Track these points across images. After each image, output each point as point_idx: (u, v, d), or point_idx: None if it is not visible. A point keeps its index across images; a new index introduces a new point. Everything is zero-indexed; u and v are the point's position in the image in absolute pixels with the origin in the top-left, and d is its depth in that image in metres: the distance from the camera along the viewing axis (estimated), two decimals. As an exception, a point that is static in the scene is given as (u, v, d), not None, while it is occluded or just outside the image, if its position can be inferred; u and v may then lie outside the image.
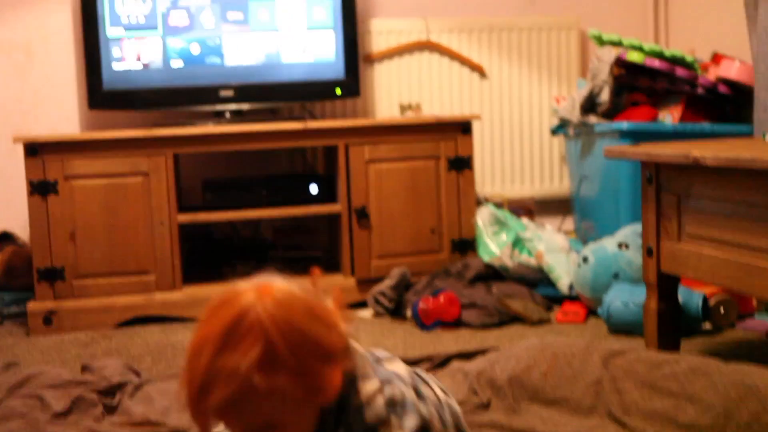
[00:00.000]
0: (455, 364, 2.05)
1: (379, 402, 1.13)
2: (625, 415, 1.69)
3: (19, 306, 3.10)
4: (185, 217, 2.97)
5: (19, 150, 2.93)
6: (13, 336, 2.84)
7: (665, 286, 2.18)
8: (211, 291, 2.88)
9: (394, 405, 1.14)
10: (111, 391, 1.90)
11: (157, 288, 2.93)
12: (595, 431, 1.65)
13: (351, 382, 1.14)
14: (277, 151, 3.48)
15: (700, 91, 3.02)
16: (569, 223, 3.75)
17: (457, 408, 1.35)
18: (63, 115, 3.33)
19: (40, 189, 2.85)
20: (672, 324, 2.19)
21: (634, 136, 2.91)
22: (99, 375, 1.98)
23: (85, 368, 2.08)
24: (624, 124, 2.98)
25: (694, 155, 1.84)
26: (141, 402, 1.85)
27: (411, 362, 2.11)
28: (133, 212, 2.91)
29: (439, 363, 2.10)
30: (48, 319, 2.85)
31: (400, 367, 1.25)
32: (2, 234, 3.35)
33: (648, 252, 2.17)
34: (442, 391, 1.34)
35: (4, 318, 3.05)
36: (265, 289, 1.08)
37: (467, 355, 2.11)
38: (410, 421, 1.15)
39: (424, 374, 1.32)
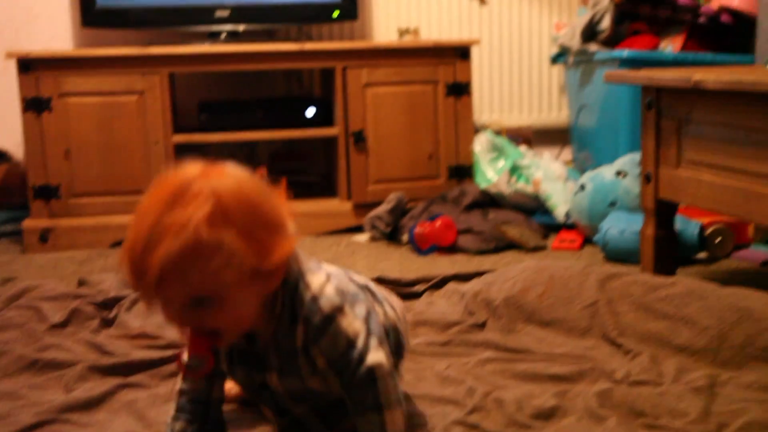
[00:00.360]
0: (451, 286, 2.06)
1: (330, 290, 1.13)
2: (620, 336, 1.70)
3: (14, 224, 3.09)
4: (180, 138, 2.94)
5: (12, 67, 2.88)
6: (9, 253, 2.84)
7: (663, 213, 2.18)
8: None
9: (344, 294, 1.15)
10: (108, 304, 1.91)
11: (152, 208, 2.92)
12: (590, 352, 1.66)
13: (299, 275, 1.14)
14: (273, 74, 3.44)
15: (702, 20, 2.98)
16: (567, 154, 3.73)
17: (401, 330, 1.34)
18: (56, 32, 3.27)
19: (34, 106, 2.82)
20: (668, 251, 2.20)
21: (635, 65, 2.89)
22: (96, 289, 1.99)
23: (81, 282, 2.08)
24: (624, 52, 2.95)
25: (696, 78, 1.82)
26: (138, 316, 1.85)
27: (407, 283, 2.12)
28: (128, 131, 2.88)
29: (434, 284, 2.10)
30: (44, 237, 2.85)
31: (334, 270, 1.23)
32: (-4, 152, 3.33)
33: (646, 178, 2.16)
34: (391, 308, 1.32)
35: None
36: (214, 167, 1.08)
37: (463, 277, 2.11)
38: (360, 309, 1.16)
39: (372, 287, 1.30)
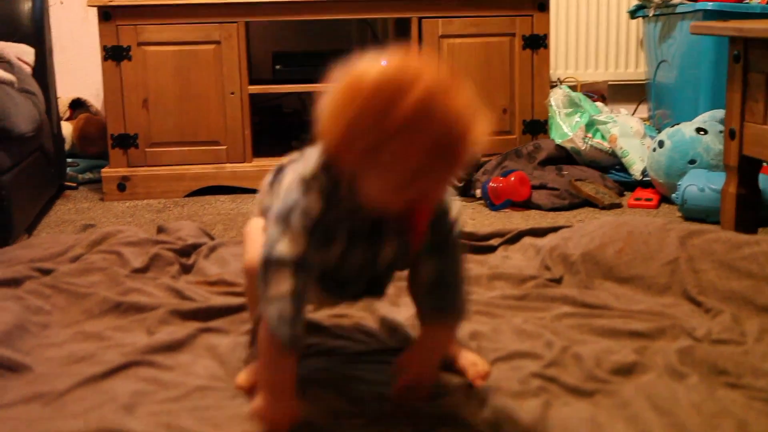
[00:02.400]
0: (527, 240, 2.04)
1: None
2: (700, 294, 1.67)
3: (94, 172, 3.16)
4: (256, 88, 2.96)
5: (93, 17, 2.92)
6: (89, 201, 2.90)
7: (746, 170, 2.12)
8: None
9: None
10: (186, 251, 1.94)
11: (227, 159, 2.95)
12: (669, 310, 1.63)
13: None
14: (347, 25, 3.42)
15: (793, -29, 2.87)
16: (643, 111, 3.65)
17: None
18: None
19: (113, 54, 2.86)
20: (750, 210, 2.14)
21: (720, 17, 2.79)
22: (174, 236, 2.02)
23: (160, 229, 2.11)
24: (709, 4, 2.86)
25: (791, 30, 1.75)
26: (215, 263, 1.88)
27: (481, 237, 2.10)
28: (205, 81, 2.91)
29: (509, 239, 2.08)
30: (122, 185, 2.90)
31: None
32: (75, 101, 3.39)
33: (731, 134, 2.10)
34: None
35: (79, 184, 3.11)
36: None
37: (539, 232, 2.09)
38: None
39: None
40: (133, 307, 1.62)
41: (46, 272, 1.80)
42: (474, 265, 1.87)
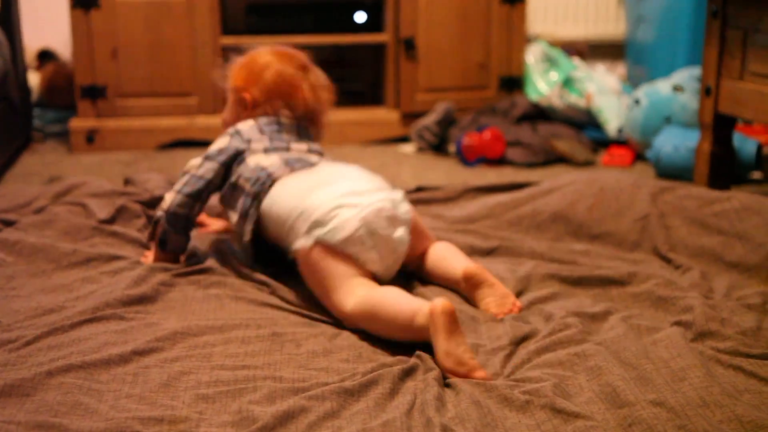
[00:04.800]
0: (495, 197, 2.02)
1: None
2: (670, 251, 1.67)
3: (62, 124, 3.10)
4: (228, 40, 2.90)
5: (60, -37, 2.85)
6: (56, 153, 2.85)
7: (721, 128, 2.12)
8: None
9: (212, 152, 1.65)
10: (154, 203, 1.90)
11: (199, 111, 2.91)
12: (638, 266, 1.62)
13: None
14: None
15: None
16: (621, 69, 3.63)
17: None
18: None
19: (82, 2, 2.78)
20: (724, 168, 2.14)
21: (700, -26, 2.77)
22: (142, 188, 1.98)
23: (128, 181, 2.08)
24: (690, -40, 2.83)
25: (770, -17, 1.73)
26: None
27: (454, 195, 2.07)
28: (176, 32, 2.85)
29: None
30: (90, 137, 2.85)
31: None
32: (43, 52, 3.32)
33: (706, 91, 2.09)
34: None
35: (46, 136, 3.06)
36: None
37: (511, 188, 2.07)
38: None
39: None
40: (101, 257, 1.59)
41: (9, 223, 1.77)
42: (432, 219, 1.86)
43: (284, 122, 1.67)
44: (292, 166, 1.56)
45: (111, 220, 1.78)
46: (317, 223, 1.42)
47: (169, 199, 1.56)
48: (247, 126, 1.65)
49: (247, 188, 1.54)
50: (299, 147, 1.64)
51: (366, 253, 1.41)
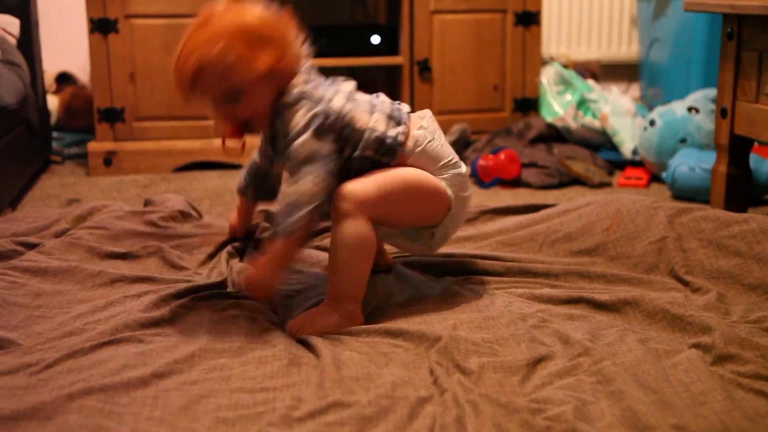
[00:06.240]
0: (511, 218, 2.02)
1: (300, 114, 1.40)
2: (687, 273, 1.66)
3: (80, 147, 3.13)
4: (245, 63, 2.92)
5: (79, -12, 2.89)
6: (74, 175, 2.88)
7: (737, 149, 2.11)
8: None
9: (311, 118, 1.41)
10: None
11: (215, 134, 2.93)
12: (654, 287, 1.62)
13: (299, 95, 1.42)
14: (338, 0, 3.39)
15: (788, -50, 2.84)
16: (635, 90, 3.64)
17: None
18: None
19: (100, 27, 2.82)
20: (740, 190, 2.13)
21: (714, -4, 2.77)
22: (161, 207, 2.00)
23: (147, 203, 2.09)
24: (704, -17, 2.83)
25: (785, 7, 1.73)
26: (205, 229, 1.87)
27: (470, 218, 2.08)
28: (193, 56, 2.87)
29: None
30: (108, 160, 2.87)
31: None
32: (62, 75, 3.35)
33: (722, 113, 2.09)
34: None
35: (64, 158, 3.09)
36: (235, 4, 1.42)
37: (528, 210, 2.07)
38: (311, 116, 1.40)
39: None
40: (125, 279, 1.61)
41: (30, 246, 1.78)
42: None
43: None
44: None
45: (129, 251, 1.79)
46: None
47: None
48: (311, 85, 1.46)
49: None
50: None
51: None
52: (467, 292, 1.56)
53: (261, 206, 1.89)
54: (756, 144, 2.32)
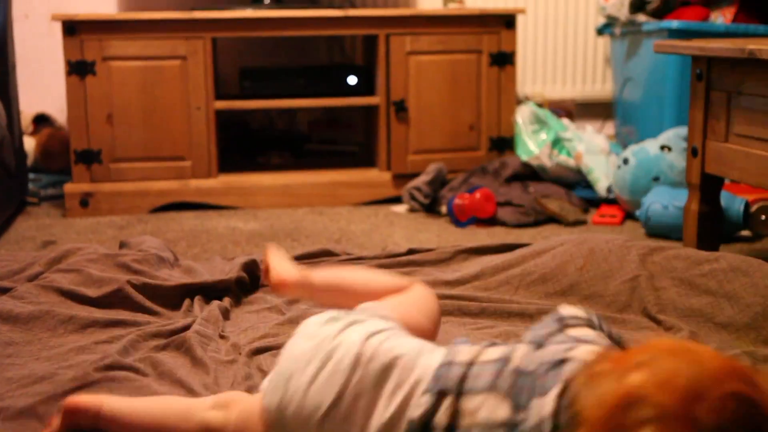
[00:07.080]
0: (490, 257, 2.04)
1: None
2: (660, 312, 1.68)
3: (56, 188, 3.12)
4: (222, 104, 2.94)
5: (57, 31, 2.90)
6: (50, 217, 2.87)
7: (708, 187, 2.14)
8: (246, 180, 2.87)
9: None
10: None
11: (192, 175, 2.93)
12: (627, 326, 1.64)
13: None
14: (315, 41, 3.42)
15: (755, -9, 2.90)
16: (609, 128, 3.68)
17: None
18: (100, -4, 3.29)
19: (78, 69, 2.83)
20: (712, 227, 2.15)
21: (684, 36, 2.82)
22: (137, 249, 1.99)
23: (123, 245, 2.09)
24: (674, 23, 2.89)
25: (751, 48, 1.77)
26: (182, 273, 1.87)
27: (446, 257, 2.09)
28: (170, 96, 2.89)
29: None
30: (84, 201, 2.87)
31: None
32: (39, 116, 3.35)
33: (693, 152, 2.12)
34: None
35: (41, 200, 3.08)
36: None
37: (502, 249, 2.09)
38: None
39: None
40: (97, 323, 1.60)
41: (3, 291, 1.77)
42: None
43: None
44: None
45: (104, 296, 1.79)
46: None
47: None
48: None
49: None
50: None
51: None
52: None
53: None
54: (727, 182, 2.35)
